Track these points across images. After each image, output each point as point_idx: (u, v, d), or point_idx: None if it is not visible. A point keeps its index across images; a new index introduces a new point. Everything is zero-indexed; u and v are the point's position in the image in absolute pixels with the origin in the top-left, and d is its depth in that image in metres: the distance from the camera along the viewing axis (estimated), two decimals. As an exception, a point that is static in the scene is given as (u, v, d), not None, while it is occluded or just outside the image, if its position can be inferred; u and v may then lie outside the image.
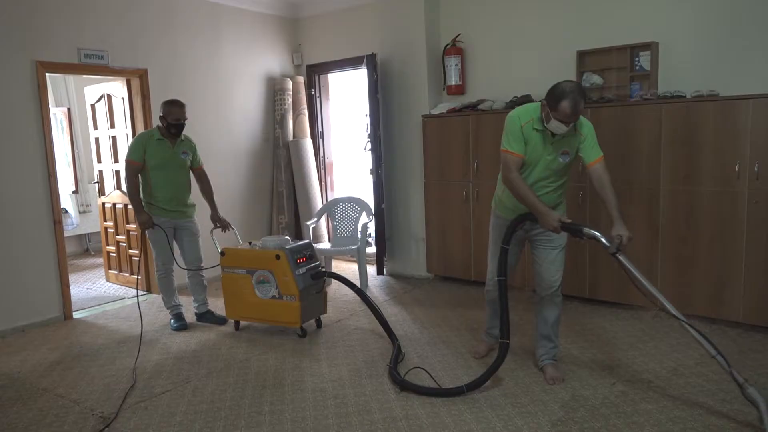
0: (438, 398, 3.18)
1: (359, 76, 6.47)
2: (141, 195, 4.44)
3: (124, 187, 5.70)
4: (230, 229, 4.70)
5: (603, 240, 2.95)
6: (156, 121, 5.28)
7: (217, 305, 4.79)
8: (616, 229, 3.00)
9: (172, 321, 4.59)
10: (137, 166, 4.33)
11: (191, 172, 4.61)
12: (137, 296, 4.55)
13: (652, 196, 4.28)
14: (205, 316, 4.66)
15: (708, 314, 4.14)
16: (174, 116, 4.32)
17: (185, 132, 4.47)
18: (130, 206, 5.60)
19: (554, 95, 2.97)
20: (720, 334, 3.96)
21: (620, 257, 2.94)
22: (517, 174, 3.13)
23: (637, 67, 4.52)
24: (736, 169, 3.89)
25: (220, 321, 4.62)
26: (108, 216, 6.01)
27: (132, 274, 5.82)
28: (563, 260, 3.34)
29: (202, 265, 4.62)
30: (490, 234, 3.57)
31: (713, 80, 4.20)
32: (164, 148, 4.36)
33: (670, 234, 4.24)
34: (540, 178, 3.18)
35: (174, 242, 4.55)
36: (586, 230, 2.98)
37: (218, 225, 4.68)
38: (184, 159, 4.46)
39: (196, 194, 4.66)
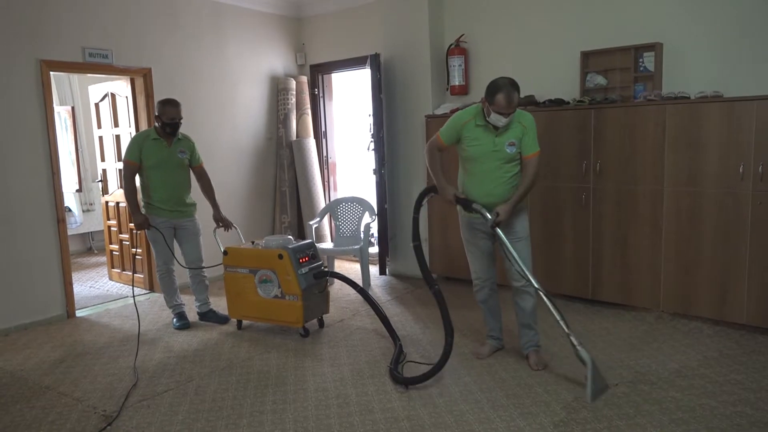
0: (440, 398, 3.19)
1: (362, 76, 6.47)
2: (140, 195, 4.44)
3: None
4: (233, 228, 4.70)
5: (486, 214, 3.38)
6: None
7: (220, 304, 4.80)
8: (500, 207, 3.38)
9: (174, 320, 4.60)
10: (134, 167, 4.34)
11: (191, 171, 4.61)
12: (133, 295, 4.56)
13: (656, 197, 4.27)
14: (207, 315, 4.67)
15: (711, 316, 4.13)
16: (169, 115, 4.31)
17: (182, 131, 4.47)
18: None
19: (490, 90, 3.30)
20: (723, 336, 3.95)
21: (497, 230, 3.38)
22: (435, 153, 3.61)
23: (641, 68, 4.51)
24: (740, 170, 3.88)
25: (223, 320, 4.62)
26: (111, 214, 6.02)
27: (135, 272, 5.82)
28: (529, 251, 3.57)
29: (203, 264, 4.62)
30: (461, 236, 3.76)
31: (718, 81, 4.19)
32: (160, 147, 4.36)
33: (673, 235, 4.22)
34: (492, 169, 3.45)
35: (175, 241, 4.55)
36: (475, 205, 3.44)
37: (220, 224, 4.67)
38: (181, 158, 4.45)
39: (197, 193, 4.67)
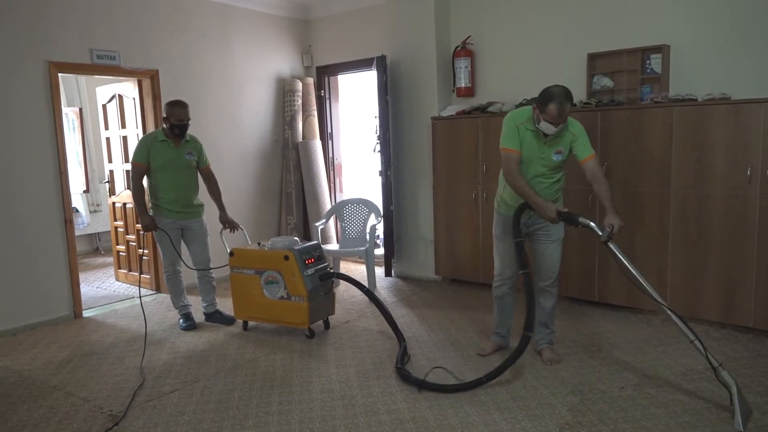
0: (446, 400, 3.18)
1: (369, 78, 6.48)
2: (148, 196, 4.45)
3: (132, 188, 5.75)
4: (238, 229, 4.71)
5: (596, 229, 3.21)
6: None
7: (226, 305, 4.81)
8: (608, 218, 3.23)
9: (181, 321, 4.61)
10: (142, 168, 4.34)
11: (198, 173, 4.62)
12: (140, 296, 4.58)
13: (663, 200, 4.25)
14: (214, 316, 4.68)
15: (718, 319, 4.11)
16: (177, 117, 4.31)
17: (189, 132, 4.46)
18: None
19: (543, 98, 3.26)
20: (731, 340, 3.93)
21: (611, 245, 3.19)
22: (517, 169, 3.40)
23: (648, 70, 4.49)
24: (748, 173, 3.86)
25: (229, 321, 4.63)
26: (118, 215, 6.04)
27: (142, 273, 5.85)
28: (561, 253, 3.60)
29: (211, 265, 4.63)
30: (493, 232, 3.76)
31: (725, 83, 4.18)
32: (168, 149, 4.36)
33: (680, 238, 4.21)
34: (536, 175, 3.44)
35: (183, 242, 4.57)
36: (581, 219, 3.25)
37: (226, 226, 4.68)
38: (189, 160, 4.46)
39: (204, 194, 4.68)
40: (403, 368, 3.52)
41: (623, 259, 3.18)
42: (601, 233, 3.19)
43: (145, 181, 4.45)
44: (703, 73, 4.32)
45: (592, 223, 3.23)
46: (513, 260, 3.62)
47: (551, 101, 3.20)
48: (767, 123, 3.77)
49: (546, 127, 3.28)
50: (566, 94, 3.23)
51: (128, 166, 5.81)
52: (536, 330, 3.70)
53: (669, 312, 3.12)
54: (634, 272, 3.18)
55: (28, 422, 3.12)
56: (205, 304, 4.70)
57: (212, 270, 4.64)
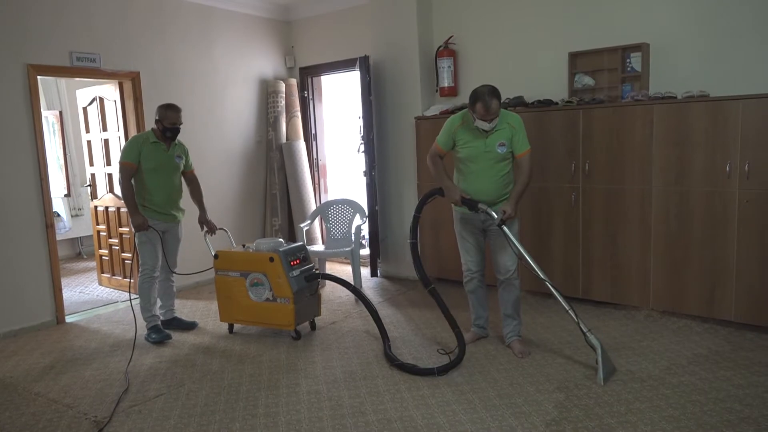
0: (432, 399, 3.20)
1: (352, 79, 6.48)
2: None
3: (117, 191, 5.67)
4: (216, 232, 4.64)
5: (492, 213, 3.54)
6: (148, 124, 5.28)
7: (211, 308, 4.78)
8: (504, 205, 3.59)
9: (151, 335, 4.33)
10: (132, 168, 4.25)
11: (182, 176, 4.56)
12: (130, 300, 4.52)
13: (644, 197, 4.30)
14: (172, 323, 4.57)
15: (700, 313, 4.17)
16: (170, 120, 4.27)
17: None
18: (123, 209, 5.59)
19: (471, 99, 3.50)
20: (712, 333, 3.99)
21: (503, 228, 3.54)
22: (437, 159, 3.79)
23: (629, 69, 4.54)
24: (727, 169, 3.92)
25: (189, 326, 4.56)
26: (100, 219, 5.98)
27: (125, 277, 5.79)
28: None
29: (176, 270, 4.54)
30: (455, 230, 3.94)
31: (704, 81, 4.23)
32: (160, 151, 4.31)
33: (662, 234, 4.26)
34: (484, 169, 3.63)
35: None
36: (481, 205, 3.58)
37: (204, 227, 4.61)
38: (178, 162, 4.42)
39: (185, 198, 4.61)
40: (401, 362, 3.60)
41: (513, 240, 3.55)
42: (496, 216, 3.52)
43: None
44: (683, 71, 4.37)
45: (489, 209, 3.55)
46: (475, 255, 3.85)
47: (477, 101, 3.44)
48: (745, 119, 3.83)
49: (481, 123, 3.50)
50: (491, 91, 3.44)
51: (110, 170, 5.76)
52: (504, 323, 3.89)
53: (551, 287, 3.52)
54: (523, 252, 3.55)
55: (11, 430, 3.07)
56: (163, 311, 4.58)
57: (184, 275, 4.52)
